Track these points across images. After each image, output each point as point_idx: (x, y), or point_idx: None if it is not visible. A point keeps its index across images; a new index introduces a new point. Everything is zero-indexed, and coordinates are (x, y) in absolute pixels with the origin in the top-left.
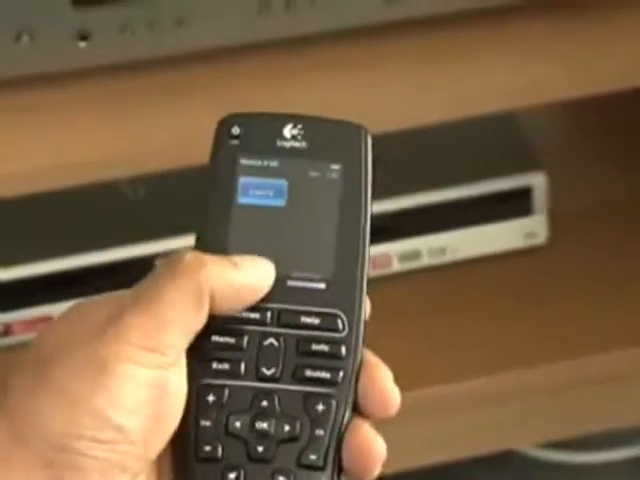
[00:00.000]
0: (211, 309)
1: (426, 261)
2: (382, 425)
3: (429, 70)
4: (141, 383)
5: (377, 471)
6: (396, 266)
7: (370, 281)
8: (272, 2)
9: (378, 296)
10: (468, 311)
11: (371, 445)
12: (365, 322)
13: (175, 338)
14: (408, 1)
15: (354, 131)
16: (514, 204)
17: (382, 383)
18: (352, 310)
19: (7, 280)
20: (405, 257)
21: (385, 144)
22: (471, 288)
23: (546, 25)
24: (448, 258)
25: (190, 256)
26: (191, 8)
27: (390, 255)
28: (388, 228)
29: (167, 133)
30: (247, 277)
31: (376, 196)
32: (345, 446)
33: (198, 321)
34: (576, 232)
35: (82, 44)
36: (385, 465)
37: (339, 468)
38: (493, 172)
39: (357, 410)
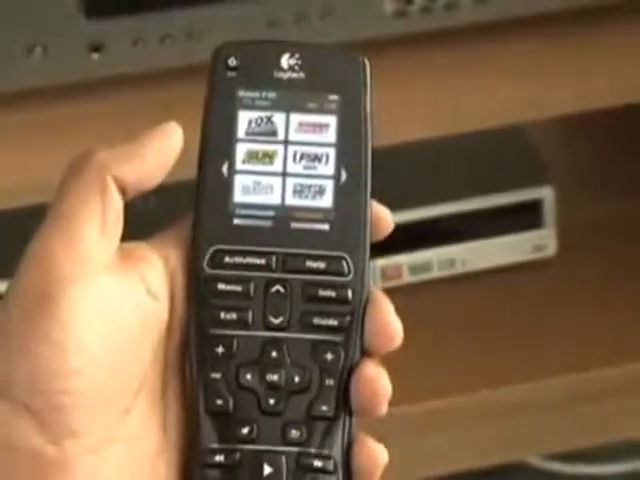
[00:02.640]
0: (126, 192)
1: (436, 273)
2: (391, 437)
3: (439, 83)
4: (83, 298)
5: (384, 408)
6: (407, 277)
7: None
8: (282, 15)
9: None
10: (477, 323)
11: (377, 382)
12: (369, 261)
13: (94, 239)
14: (417, 15)
15: (353, 60)
16: (523, 217)
17: (384, 317)
18: (357, 251)
19: None
20: (416, 269)
21: (395, 156)
22: (481, 300)
23: (555, 40)
24: (458, 270)
25: (77, 156)
26: (203, 21)
27: (401, 267)
28: (399, 240)
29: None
30: (147, 147)
31: (387, 208)
32: (351, 386)
33: (111, 207)
34: (585, 245)
35: (95, 56)
36: (395, 477)
37: (349, 413)
38: (503, 185)
39: (362, 346)
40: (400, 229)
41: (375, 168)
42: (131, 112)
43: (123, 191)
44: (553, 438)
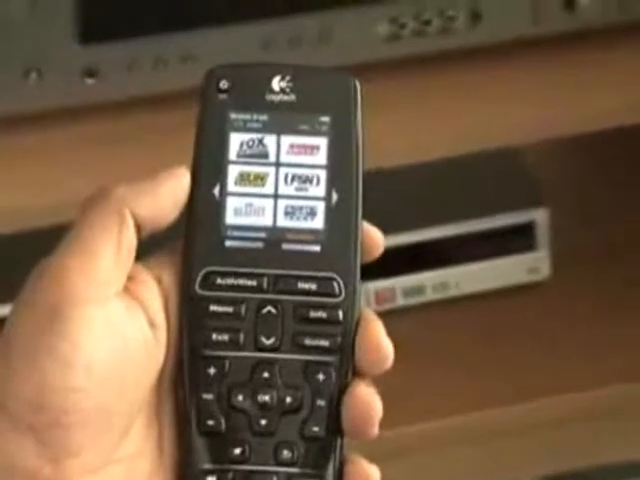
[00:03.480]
0: (140, 229)
1: (430, 296)
2: (382, 458)
3: (434, 106)
4: (94, 319)
5: (375, 430)
6: (400, 301)
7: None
8: (277, 38)
9: None
10: (471, 345)
11: (369, 404)
12: (361, 283)
13: (108, 266)
14: (410, 38)
15: (344, 82)
16: (517, 240)
17: (376, 337)
18: (348, 272)
19: None
20: (409, 292)
21: (388, 179)
22: (474, 322)
23: (549, 62)
24: (452, 293)
25: (98, 190)
26: (197, 45)
27: (394, 290)
28: (392, 263)
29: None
30: (162, 186)
31: (380, 231)
32: (343, 407)
33: (126, 239)
34: (578, 267)
35: (90, 81)
36: None
37: (341, 433)
38: (496, 208)
39: (354, 366)
40: (394, 252)
41: (368, 191)
42: (126, 136)
43: (138, 228)
44: (545, 459)
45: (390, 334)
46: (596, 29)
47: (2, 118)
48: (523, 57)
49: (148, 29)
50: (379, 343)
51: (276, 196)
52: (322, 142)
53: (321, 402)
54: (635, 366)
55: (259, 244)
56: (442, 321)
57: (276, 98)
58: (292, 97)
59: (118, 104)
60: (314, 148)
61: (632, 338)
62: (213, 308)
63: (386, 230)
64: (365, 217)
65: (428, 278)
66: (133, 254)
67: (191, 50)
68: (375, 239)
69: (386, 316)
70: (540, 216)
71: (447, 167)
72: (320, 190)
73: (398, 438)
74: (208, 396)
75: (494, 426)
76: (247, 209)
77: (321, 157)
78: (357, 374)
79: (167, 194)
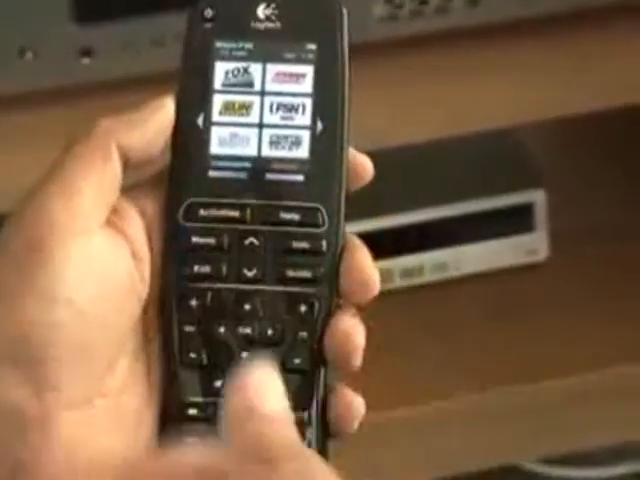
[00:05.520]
0: (127, 161)
1: (428, 277)
2: (385, 441)
3: (430, 86)
4: (76, 252)
5: (359, 360)
6: (398, 282)
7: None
8: None
9: (379, 311)
10: (469, 327)
11: (351, 334)
12: (345, 212)
13: (90, 198)
14: (406, 18)
15: (330, 9)
16: (515, 221)
17: (361, 264)
18: (331, 202)
19: None
20: (407, 273)
21: (386, 160)
22: (472, 304)
23: (547, 43)
24: (449, 274)
25: (87, 125)
26: None
27: (392, 271)
28: (390, 244)
29: None
30: (148, 118)
31: (378, 213)
32: (326, 337)
33: (110, 172)
34: (577, 249)
35: (85, 60)
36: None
37: (325, 365)
38: (494, 189)
39: (338, 297)
40: (391, 233)
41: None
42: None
43: (126, 159)
44: (547, 441)
45: (388, 316)
46: (595, 9)
47: None
48: (522, 38)
49: (144, 8)
50: (363, 269)
51: (261, 125)
52: (308, 70)
53: (303, 334)
54: (634, 347)
55: (243, 174)
56: (440, 302)
57: (261, 26)
58: (277, 25)
59: (114, 84)
60: (300, 76)
61: (630, 320)
62: (195, 239)
63: (384, 211)
64: (362, 198)
65: (426, 259)
66: (117, 187)
67: None
68: (363, 164)
69: (383, 297)
70: (538, 198)
71: (445, 148)
72: (305, 119)
73: (395, 420)
74: (190, 328)
75: (490, 408)
76: (231, 139)
77: (307, 85)
78: (342, 306)
79: (154, 125)
